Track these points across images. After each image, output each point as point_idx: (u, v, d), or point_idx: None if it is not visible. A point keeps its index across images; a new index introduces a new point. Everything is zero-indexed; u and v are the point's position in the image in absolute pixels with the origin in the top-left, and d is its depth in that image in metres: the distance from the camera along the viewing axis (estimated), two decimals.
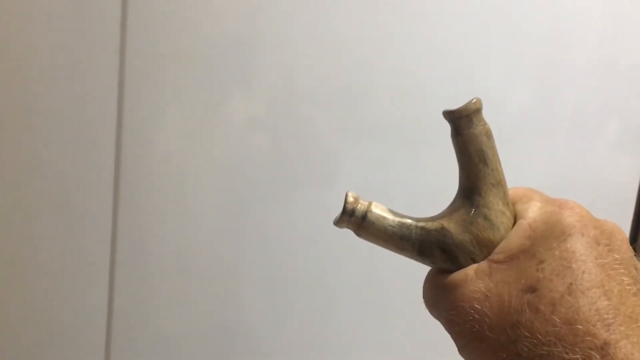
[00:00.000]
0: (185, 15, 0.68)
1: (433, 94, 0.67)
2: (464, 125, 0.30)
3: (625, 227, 0.72)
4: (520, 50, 0.68)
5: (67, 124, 0.71)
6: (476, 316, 0.26)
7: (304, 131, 0.69)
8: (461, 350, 0.27)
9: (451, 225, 0.29)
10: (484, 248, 0.29)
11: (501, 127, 0.64)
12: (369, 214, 0.30)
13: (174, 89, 0.70)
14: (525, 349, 0.24)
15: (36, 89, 0.71)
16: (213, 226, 0.72)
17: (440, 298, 0.28)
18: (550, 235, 0.26)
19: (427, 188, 0.65)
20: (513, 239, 0.27)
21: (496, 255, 0.28)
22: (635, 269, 0.26)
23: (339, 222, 0.31)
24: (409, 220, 0.30)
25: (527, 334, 0.24)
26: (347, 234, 0.73)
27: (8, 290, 0.74)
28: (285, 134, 0.70)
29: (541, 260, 0.26)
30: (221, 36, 0.69)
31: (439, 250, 0.29)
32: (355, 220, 0.30)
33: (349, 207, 0.30)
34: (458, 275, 0.28)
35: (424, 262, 0.30)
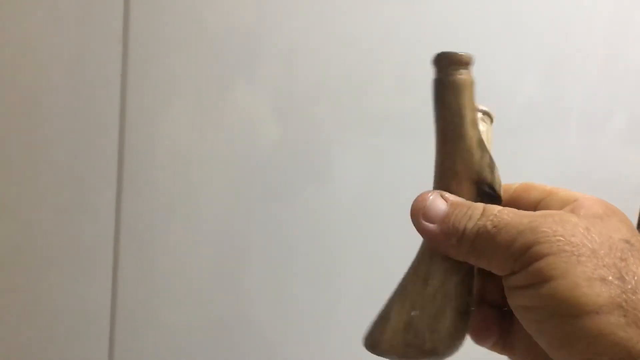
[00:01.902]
0: (189, 4, 0.68)
1: None
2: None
3: (633, 218, 0.71)
4: (528, 42, 0.67)
5: (70, 115, 0.70)
6: (580, 234, 0.25)
7: (309, 122, 0.69)
8: (547, 265, 0.25)
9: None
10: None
11: (509, 119, 0.63)
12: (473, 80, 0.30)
13: (178, 79, 0.69)
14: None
15: (37, 79, 0.70)
16: (218, 219, 0.71)
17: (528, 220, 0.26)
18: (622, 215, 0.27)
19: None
20: (594, 208, 0.27)
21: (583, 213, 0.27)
22: None
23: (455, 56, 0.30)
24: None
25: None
26: (354, 225, 0.72)
27: (10, 284, 0.74)
28: (290, 125, 0.69)
29: (630, 227, 0.26)
30: (225, 26, 0.68)
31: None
32: (467, 72, 0.30)
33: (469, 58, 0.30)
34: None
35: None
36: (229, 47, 0.68)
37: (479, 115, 0.31)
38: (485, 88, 0.62)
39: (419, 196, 0.29)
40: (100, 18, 0.68)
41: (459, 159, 0.29)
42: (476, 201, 0.29)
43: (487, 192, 0.29)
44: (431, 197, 0.29)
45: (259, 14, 0.68)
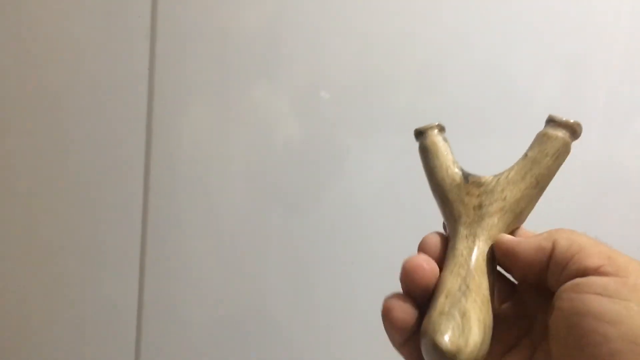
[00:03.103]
0: (213, 4, 0.69)
1: (461, 85, 0.66)
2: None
3: None
4: (549, 41, 0.67)
5: (97, 113, 0.72)
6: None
7: (329, 121, 0.70)
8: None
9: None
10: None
11: (529, 120, 0.63)
12: None
13: (201, 76, 0.70)
14: None
15: (65, 76, 0.72)
16: (240, 217, 0.72)
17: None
18: None
19: None
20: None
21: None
22: None
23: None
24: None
25: None
26: (373, 224, 0.72)
27: (38, 279, 0.76)
28: (310, 124, 0.70)
29: None
30: (247, 26, 0.69)
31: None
32: None
33: None
34: None
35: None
36: (250, 46, 0.69)
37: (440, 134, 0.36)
38: (505, 89, 0.62)
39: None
40: (128, 15, 0.69)
41: (531, 205, 0.34)
42: None
43: None
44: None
45: (280, 15, 0.69)
